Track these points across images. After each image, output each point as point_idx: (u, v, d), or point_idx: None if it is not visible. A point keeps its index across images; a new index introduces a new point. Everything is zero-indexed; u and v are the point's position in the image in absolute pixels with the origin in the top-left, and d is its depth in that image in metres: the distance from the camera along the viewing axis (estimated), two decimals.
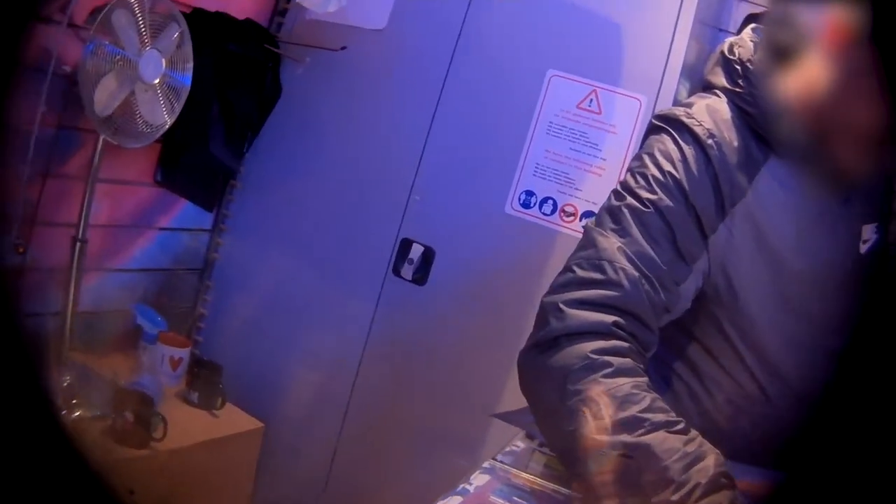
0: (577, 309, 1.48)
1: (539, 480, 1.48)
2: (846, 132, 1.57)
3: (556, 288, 1.55)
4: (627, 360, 1.44)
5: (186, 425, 2.94)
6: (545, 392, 1.48)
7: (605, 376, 1.40)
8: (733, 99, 1.67)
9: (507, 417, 1.84)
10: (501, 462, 1.52)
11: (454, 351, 3.10)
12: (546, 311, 1.52)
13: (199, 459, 2.93)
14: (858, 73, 1.51)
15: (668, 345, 1.75)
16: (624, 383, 1.39)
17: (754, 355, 1.69)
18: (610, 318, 1.47)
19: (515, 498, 1.39)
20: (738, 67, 1.67)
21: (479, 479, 1.42)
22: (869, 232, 1.78)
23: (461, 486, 1.38)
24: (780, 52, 1.68)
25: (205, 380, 3.17)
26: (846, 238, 1.73)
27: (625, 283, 1.49)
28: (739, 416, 1.75)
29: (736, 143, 1.61)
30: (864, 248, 1.77)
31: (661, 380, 1.79)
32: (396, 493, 3.05)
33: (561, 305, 1.49)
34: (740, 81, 1.66)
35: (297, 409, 3.35)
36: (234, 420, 3.18)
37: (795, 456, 1.93)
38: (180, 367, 3.21)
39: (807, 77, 1.62)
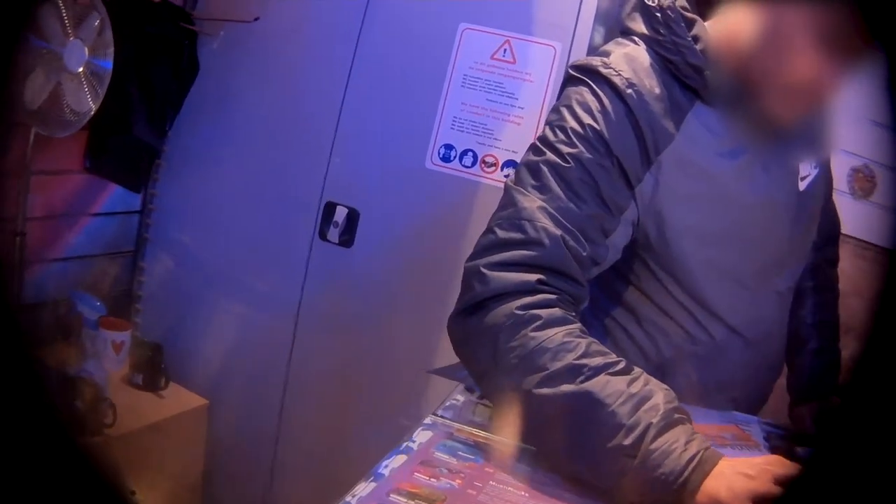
0: (500, 271, 1.47)
1: (483, 433, 1.48)
2: (774, 83, 1.56)
3: (478, 251, 1.53)
4: (556, 310, 1.43)
5: (134, 408, 2.95)
6: (479, 354, 1.47)
7: (535, 329, 1.39)
8: (653, 46, 1.64)
9: (445, 372, 1.83)
10: (442, 417, 1.52)
11: (387, 309, 3.12)
12: (469, 277, 1.50)
13: (149, 441, 2.94)
14: (789, 24, 1.51)
15: (606, 291, 1.76)
16: (555, 333, 1.39)
17: (692, 299, 1.69)
18: (534, 277, 1.46)
19: (460, 452, 1.39)
20: (657, 14, 1.63)
21: (421, 436, 1.43)
22: (807, 167, 1.80)
23: (404, 443, 1.38)
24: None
25: (147, 361, 3.18)
26: (784, 175, 1.74)
27: (545, 241, 1.47)
28: (684, 358, 1.75)
29: (658, 91, 1.59)
30: (803, 185, 1.79)
31: (602, 327, 1.79)
32: (343, 456, 3.06)
33: (482, 269, 1.48)
34: (661, 29, 1.62)
35: (238, 382, 3.37)
36: (179, 399, 3.21)
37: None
38: (123, 351, 3.21)
39: (733, 26, 1.62)
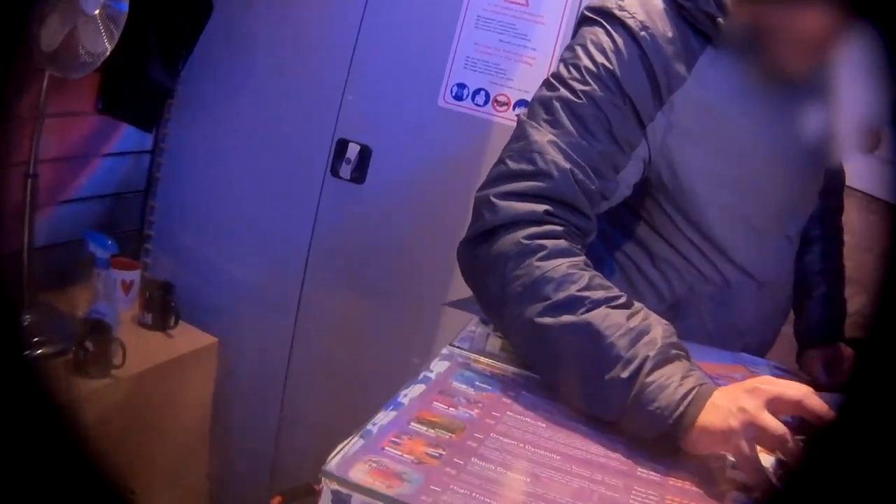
0: (509, 200, 1.50)
1: (498, 364, 1.50)
2: (784, 33, 1.58)
3: (489, 181, 1.57)
4: (561, 241, 1.46)
5: (143, 348, 2.95)
6: (486, 282, 1.50)
7: (540, 259, 1.42)
8: None
9: (460, 304, 1.86)
10: (459, 347, 1.55)
11: (398, 247, 3.15)
12: (480, 205, 1.54)
13: (159, 381, 2.95)
14: None
15: (620, 229, 1.79)
16: (560, 264, 1.41)
17: (704, 238, 1.72)
18: (541, 207, 1.48)
19: (477, 382, 1.41)
20: None
21: (439, 367, 1.44)
22: (817, 116, 1.81)
23: (422, 374, 1.39)
24: None
25: (157, 300, 3.18)
26: (792, 122, 1.74)
27: (554, 172, 1.50)
28: (697, 299, 1.79)
29: (671, 34, 1.62)
30: (813, 133, 1.80)
31: (615, 264, 1.82)
32: (355, 391, 3.09)
33: (492, 198, 1.51)
34: None
35: (249, 319, 3.38)
36: (188, 338, 3.21)
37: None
38: (132, 291, 3.22)
39: None
